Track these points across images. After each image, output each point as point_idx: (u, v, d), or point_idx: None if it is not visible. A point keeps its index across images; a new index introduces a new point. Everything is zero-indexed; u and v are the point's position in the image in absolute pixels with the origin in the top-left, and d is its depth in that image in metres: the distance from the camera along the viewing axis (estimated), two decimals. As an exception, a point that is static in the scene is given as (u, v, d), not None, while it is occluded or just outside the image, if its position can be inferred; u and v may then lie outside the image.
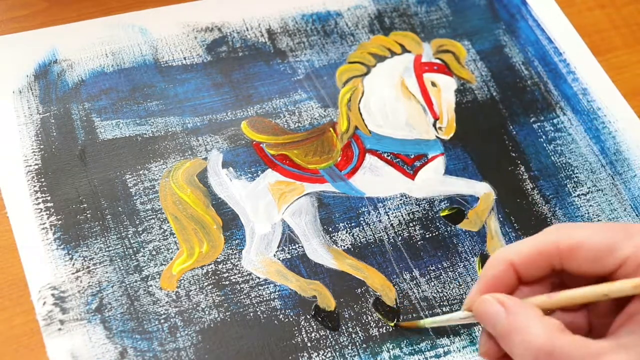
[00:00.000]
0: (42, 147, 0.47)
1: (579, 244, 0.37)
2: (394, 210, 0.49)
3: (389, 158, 0.51)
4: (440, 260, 0.48)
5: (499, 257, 0.38)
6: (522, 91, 0.56)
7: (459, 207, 0.50)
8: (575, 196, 0.52)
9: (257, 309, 0.44)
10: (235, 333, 0.43)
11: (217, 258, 0.45)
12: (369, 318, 0.45)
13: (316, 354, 0.43)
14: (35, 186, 0.45)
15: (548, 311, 0.37)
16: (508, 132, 0.54)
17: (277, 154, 0.50)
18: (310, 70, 0.54)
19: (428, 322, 0.44)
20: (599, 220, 0.52)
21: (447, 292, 0.47)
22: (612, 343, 0.36)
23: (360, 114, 0.52)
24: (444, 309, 0.46)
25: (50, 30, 0.52)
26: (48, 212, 0.45)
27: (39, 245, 0.44)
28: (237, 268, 0.45)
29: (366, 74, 0.54)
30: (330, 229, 0.48)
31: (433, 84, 0.54)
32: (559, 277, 0.39)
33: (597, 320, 0.38)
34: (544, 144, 0.54)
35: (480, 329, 0.42)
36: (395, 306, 0.46)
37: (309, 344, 0.44)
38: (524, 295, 0.38)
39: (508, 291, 0.38)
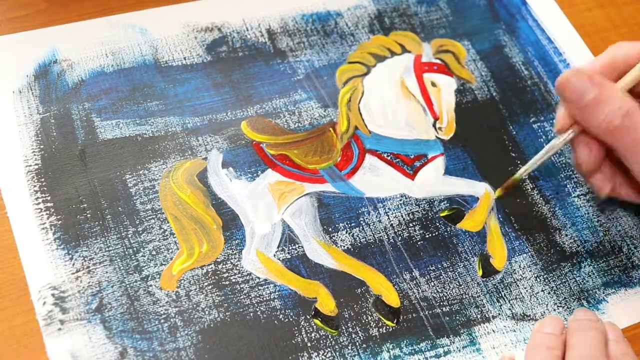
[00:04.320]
0: (42, 147, 0.47)
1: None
2: (393, 210, 0.49)
3: (388, 158, 0.51)
4: (440, 260, 0.48)
5: (583, 70, 0.44)
6: (522, 91, 0.56)
7: (459, 207, 0.50)
8: (575, 196, 0.52)
9: (257, 309, 0.44)
10: (235, 333, 0.43)
11: (217, 258, 0.45)
12: (369, 318, 0.45)
13: (316, 354, 0.43)
14: (35, 186, 0.45)
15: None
16: (508, 132, 0.54)
17: (277, 154, 0.50)
18: (310, 70, 0.54)
19: (522, 171, 0.50)
20: (598, 220, 0.52)
21: (447, 292, 0.47)
22: None
23: (360, 114, 0.52)
24: (444, 309, 0.46)
25: (50, 30, 0.52)
26: (48, 212, 0.45)
27: (39, 245, 0.44)
28: (237, 268, 0.45)
29: (366, 74, 0.54)
30: (330, 229, 0.48)
31: (433, 84, 0.54)
32: None
33: None
34: (544, 144, 0.54)
35: (554, 126, 0.47)
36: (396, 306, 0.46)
37: (309, 344, 0.44)
38: None
39: None
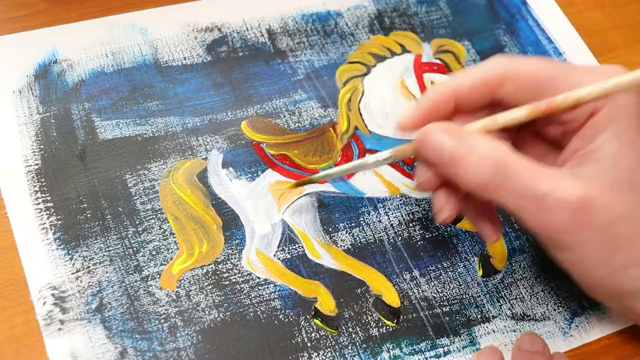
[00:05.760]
0: (42, 147, 0.47)
1: (525, 74, 0.38)
2: (394, 210, 0.49)
3: (389, 158, 0.51)
4: (440, 260, 0.48)
5: (444, 85, 0.39)
6: (522, 91, 0.56)
7: (459, 207, 0.50)
8: (575, 196, 0.52)
9: (257, 309, 0.44)
10: (235, 333, 0.43)
11: (217, 258, 0.45)
12: (369, 318, 0.45)
13: (316, 354, 0.43)
14: (35, 186, 0.45)
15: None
16: (508, 132, 0.54)
17: (277, 154, 0.50)
18: (310, 70, 0.54)
19: (322, 175, 0.43)
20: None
21: (447, 292, 0.47)
22: (565, 171, 0.36)
23: (360, 114, 0.52)
24: (444, 309, 0.46)
25: (50, 30, 0.52)
26: (48, 212, 0.45)
27: (39, 245, 0.44)
28: (237, 268, 0.45)
29: (366, 74, 0.54)
30: (330, 229, 0.48)
31: (433, 84, 0.54)
32: (493, 109, 0.40)
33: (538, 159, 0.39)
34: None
35: (418, 174, 0.41)
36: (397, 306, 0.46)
37: (309, 344, 0.44)
38: (460, 124, 0.39)
39: (445, 119, 0.39)
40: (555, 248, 0.38)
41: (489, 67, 0.40)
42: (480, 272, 0.48)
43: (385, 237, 0.48)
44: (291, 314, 0.44)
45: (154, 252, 0.45)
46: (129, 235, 0.45)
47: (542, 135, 0.42)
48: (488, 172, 0.36)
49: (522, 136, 0.43)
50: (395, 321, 0.45)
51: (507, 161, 0.36)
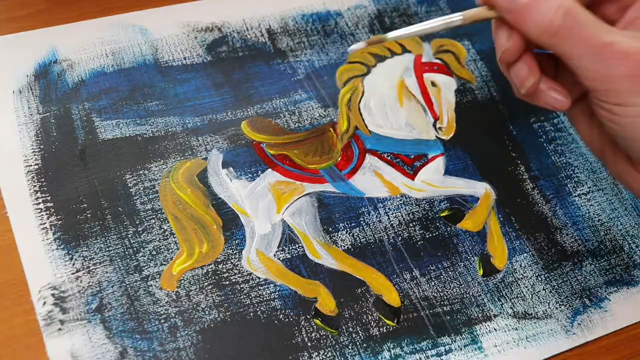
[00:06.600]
0: (42, 147, 0.47)
1: None
2: (394, 210, 0.49)
3: (389, 158, 0.51)
4: (440, 260, 0.48)
5: None
6: (522, 91, 0.56)
7: (459, 207, 0.50)
8: (575, 196, 0.52)
9: (257, 309, 0.44)
10: (235, 333, 0.43)
11: (217, 258, 0.45)
12: (369, 318, 0.45)
13: (316, 353, 0.43)
14: (35, 186, 0.45)
15: None
16: (508, 132, 0.54)
17: (277, 154, 0.50)
18: (310, 70, 0.54)
19: (398, 34, 0.43)
20: (599, 220, 0.52)
21: (447, 292, 0.47)
22: (627, 32, 0.38)
23: (360, 114, 0.52)
24: (444, 308, 0.46)
25: (50, 30, 0.52)
26: (48, 212, 0.45)
27: (39, 245, 0.44)
28: (237, 268, 0.45)
29: (366, 74, 0.54)
30: (330, 229, 0.48)
31: (433, 84, 0.54)
32: None
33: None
34: (544, 144, 0.54)
35: (498, 45, 0.41)
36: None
37: (309, 344, 0.44)
38: None
39: None
40: (609, 100, 0.39)
41: None
42: (480, 272, 0.48)
43: (385, 237, 0.48)
44: (291, 314, 0.44)
45: (154, 252, 0.45)
46: (129, 235, 0.45)
47: (601, 16, 0.43)
48: (560, 18, 0.38)
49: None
50: (395, 321, 0.45)
51: (577, 11, 0.38)
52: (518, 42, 0.41)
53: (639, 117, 0.38)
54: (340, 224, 0.48)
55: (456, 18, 0.42)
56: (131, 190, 0.47)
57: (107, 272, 0.44)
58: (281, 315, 0.44)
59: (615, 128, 0.39)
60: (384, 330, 0.45)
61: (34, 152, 0.47)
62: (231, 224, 0.47)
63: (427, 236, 0.49)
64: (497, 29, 0.42)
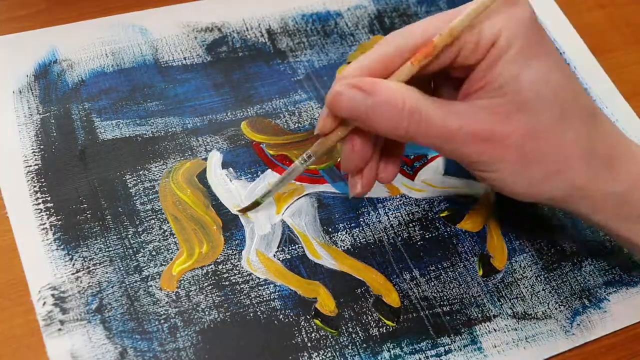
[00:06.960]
0: (42, 147, 0.47)
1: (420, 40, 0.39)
2: (393, 210, 0.49)
3: (389, 158, 0.51)
4: (440, 260, 0.48)
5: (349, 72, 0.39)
6: (522, 91, 0.56)
7: (459, 207, 0.50)
8: (575, 196, 0.52)
9: (257, 309, 0.44)
10: (235, 333, 0.43)
11: (217, 258, 0.45)
12: (369, 318, 0.45)
13: (316, 353, 0.43)
14: (35, 186, 0.45)
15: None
16: (508, 132, 0.54)
17: (277, 154, 0.50)
18: (310, 71, 0.54)
19: (264, 195, 0.46)
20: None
21: (447, 292, 0.47)
22: (472, 104, 0.39)
23: (360, 114, 0.52)
24: (444, 308, 0.46)
25: (50, 30, 0.52)
26: (48, 212, 0.45)
27: (39, 245, 0.44)
28: (237, 268, 0.45)
29: (366, 74, 0.54)
30: (330, 230, 0.48)
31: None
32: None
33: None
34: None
35: (323, 123, 0.40)
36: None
37: (309, 344, 0.44)
38: None
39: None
40: (478, 171, 0.41)
41: (384, 49, 0.40)
42: (480, 272, 0.48)
43: (385, 237, 0.48)
44: (291, 314, 0.44)
45: (154, 253, 0.45)
46: (129, 236, 0.45)
47: (457, 80, 0.42)
48: (406, 120, 0.38)
49: (439, 84, 0.44)
50: (395, 321, 0.45)
51: (420, 106, 0.38)
52: (364, 153, 0.41)
53: (503, 179, 0.40)
54: (340, 225, 0.48)
55: (307, 155, 0.42)
56: (131, 190, 0.47)
57: (107, 273, 0.44)
58: (281, 316, 0.44)
59: (494, 186, 0.42)
60: (384, 331, 0.45)
61: (33, 152, 0.47)
62: (231, 224, 0.47)
63: (427, 236, 0.49)
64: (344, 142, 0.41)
